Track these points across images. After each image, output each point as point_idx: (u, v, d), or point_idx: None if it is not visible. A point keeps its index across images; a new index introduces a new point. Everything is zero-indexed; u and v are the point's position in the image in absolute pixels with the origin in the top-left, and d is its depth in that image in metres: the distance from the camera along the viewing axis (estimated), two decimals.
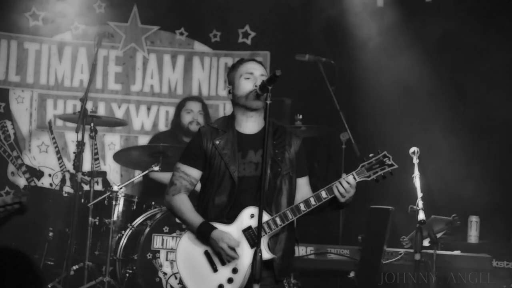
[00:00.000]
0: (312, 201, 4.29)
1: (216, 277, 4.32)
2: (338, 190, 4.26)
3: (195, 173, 4.50)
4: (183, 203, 4.46)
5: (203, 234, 4.33)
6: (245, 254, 4.30)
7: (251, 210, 4.32)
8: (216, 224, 4.34)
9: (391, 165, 4.33)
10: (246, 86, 4.44)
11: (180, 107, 7.43)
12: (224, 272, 4.32)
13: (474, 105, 7.33)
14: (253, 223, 4.30)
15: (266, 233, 4.23)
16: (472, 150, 7.23)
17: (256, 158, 4.41)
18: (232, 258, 4.28)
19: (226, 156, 4.40)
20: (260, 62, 4.59)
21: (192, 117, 7.28)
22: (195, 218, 4.39)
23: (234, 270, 4.30)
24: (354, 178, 4.30)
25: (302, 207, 4.29)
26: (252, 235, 4.30)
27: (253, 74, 4.46)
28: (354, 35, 7.70)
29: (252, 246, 4.29)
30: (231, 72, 4.56)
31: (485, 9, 7.25)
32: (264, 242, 4.24)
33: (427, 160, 5.38)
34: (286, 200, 4.39)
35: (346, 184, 4.27)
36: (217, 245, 4.28)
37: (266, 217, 4.23)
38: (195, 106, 7.36)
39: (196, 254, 4.38)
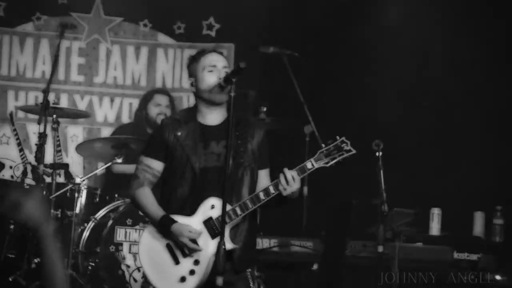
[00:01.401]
0: (272, 189, 4.30)
1: (178, 270, 4.32)
2: (280, 181, 4.25)
3: (158, 165, 4.49)
4: (146, 197, 4.46)
5: (164, 228, 4.33)
6: (206, 245, 4.30)
7: (212, 201, 4.33)
8: (177, 217, 4.34)
9: (349, 150, 4.33)
10: (209, 79, 4.43)
11: (147, 100, 7.36)
12: (186, 264, 4.32)
13: (435, 96, 7.41)
14: (214, 214, 4.31)
15: (226, 223, 4.21)
16: (434, 141, 7.31)
17: (218, 149, 4.40)
18: (194, 251, 4.28)
19: (188, 147, 4.39)
20: (221, 53, 4.59)
21: (160, 110, 7.23)
22: (157, 212, 4.39)
23: (196, 262, 4.30)
24: (313, 164, 4.29)
25: (261, 196, 4.30)
26: (213, 226, 4.31)
27: (216, 66, 4.45)
28: (319, 26, 7.73)
29: (213, 237, 4.30)
30: (192, 64, 4.54)
31: None
32: (226, 232, 4.24)
33: (390, 152, 5.40)
34: (247, 191, 4.39)
35: (290, 177, 4.23)
36: (178, 239, 4.28)
37: (227, 207, 4.22)
38: (163, 100, 7.31)
39: (158, 247, 4.38)
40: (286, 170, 4.25)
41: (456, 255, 6.04)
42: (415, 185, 7.02)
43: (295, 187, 4.27)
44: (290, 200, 4.36)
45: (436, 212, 6.51)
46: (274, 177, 4.45)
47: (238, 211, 4.30)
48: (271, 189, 4.29)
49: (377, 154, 5.24)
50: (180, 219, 4.34)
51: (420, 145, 7.28)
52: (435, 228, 6.49)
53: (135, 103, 7.82)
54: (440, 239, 6.34)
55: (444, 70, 7.32)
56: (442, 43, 7.38)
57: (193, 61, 4.54)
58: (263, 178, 4.52)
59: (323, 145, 4.35)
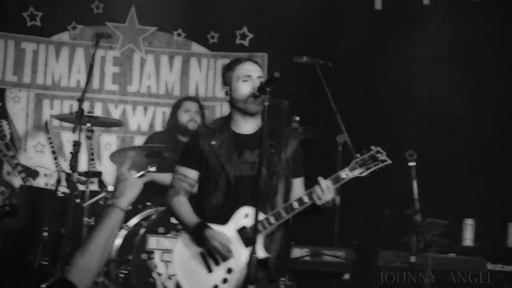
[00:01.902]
0: (306, 199, 4.28)
1: (211, 278, 4.33)
2: (316, 191, 4.24)
3: (193, 175, 4.51)
4: (181, 205, 4.48)
5: (198, 234, 4.33)
6: (240, 254, 4.30)
7: (246, 210, 4.32)
8: (211, 226, 4.34)
9: (384, 160, 4.30)
10: (244, 89, 4.43)
11: (176, 107, 7.38)
12: (219, 272, 4.32)
13: (473, 109, 7.35)
14: (248, 222, 4.30)
15: (260, 232, 4.21)
16: (469, 152, 7.24)
17: (252, 158, 4.40)
18: (225, 257, 4.28)
19: (222, 157, 4.40)
20: (256, 62, 4.58)
21: (190, 116, 7.22)
22: (191, 219, 4.40)
23: (229, 270, 4.30)
24: (347, 174, 4.28)
25: (295, 205, 4.29)
26: (247, 235, 4.30)
27: (251, 76, 4.45)
28: (352, 37, 7.71)
29: (246, 246, 4.29)
30: (227, 73, 4.54)
31: None
32: (259, 241, 4.24)
33: (424, 162, 5.36)
34: (281, 200, 4.38)
35: (325, 187, 4.21)
36: (210, 243, 4.28)
37: (260, 216, 4.22)
38: (192, 106, 7.32)
39: (192, 255, 4.38)
40: (321, 179, 4.24)
41: (490, 266, 5.98)
42: (449, 195, 6.97)
43: (330, 196, 4.25)
44: (324, 210, 4.34)
45: (469, 223, 6.44)
46: (307, 186, 4.44)
47: (272, 220, 4.29)
48: (305, 199, 4.27)
49: (410, 164, 5.21)
50: (214, 227, 4.35)
51: (453, 155, 7.23)
52: (468, 239, 6.42)
53: (168, 112, 7.85)
54: (473, 250, 6.27)
55: (477, 75, 7.26)
56: (478, 51, 7.33)
57: (228, 69, 4.54)
58: (298, 187, 4.51)
59: (358, 155, 4.33)
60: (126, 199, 3.04)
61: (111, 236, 2.95)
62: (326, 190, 4.22)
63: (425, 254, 5.59)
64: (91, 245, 2.89)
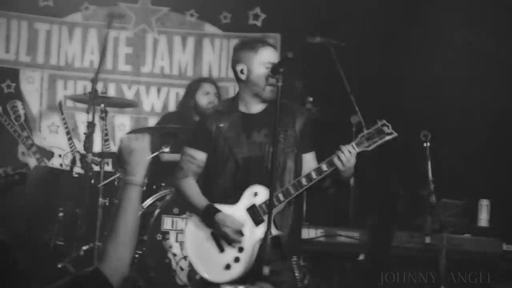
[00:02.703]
0: (314, 175, 4.28)
1: (223, 257, 4.34)
2: (340, 159, 4.23)
3: (202, 156, 4.51)
4: (189, 187, 4.49)
5: (207, 218, 4.34)
6: (251, 233, 4.31)
7: (255, 188, 4.33)
8: (220, 206, 4.35)
9: (391, 133, 4.27)
10: (265, 75, 4.40)
11: (194, 89, 7.30)
12: (231, 252, 4.34)
13: (487, 92, 7.30)
14: (257, 201, 4.31)
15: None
16: (484, 132, 7.21)
17: (259, 138, 4.40)
18: (235, 242, 4.29)
19: (230, 139, 4.40)
20: (275, 49, 4.56)
21: (210, 98, 7.15)
22: (200, 202, 4.41)
23: (241, 249, 4.32)
24: (354, 148, 4.26)
25: (304, 181, 4.29)
26: (257, 213, 4.31)
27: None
28: (366, 17, 7.67)
29: (257, 224, 4.30)
30: (248, 52, 4.47)
31: None
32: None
33: (439, 143, 5.34)
34: (291, 177, 4.38)
35: (347, 152, 4.23)
36: (221, 229, 4.29)
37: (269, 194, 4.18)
38: (211, 88, 7.27)
39: (203, 235, 4.40)
40: (342, 146, 4.23)
41: (505, 246, 5.97)
42: (464, 176, 6.94)
43: (352, 161, 4.24)
44: (344, 180, 4.34)
45: (484, 203, 6.43)
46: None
47: (281, 197, 4.29)
48: (324, 167, 4.26)
49: (424, 144, 5.19)
50: (224, 207, 4.36)
51: (468, 136, 7.19)
52: (483, 219, 6.41)
53: (182, 92, 7.83)
54: (489, 231, 6.26)
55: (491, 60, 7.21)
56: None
57: (249, 49, 4.47)
58: (310, 161, 4.49)
59: (364, 129, 4.32)
60: (141, 172, 2.84)
61: (137, 218, 2.78)
62: (348, 155, 4.20)
63: (440, 234, 5.58)
64: (121, 232, 2.72)
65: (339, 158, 4.21)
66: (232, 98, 4.63)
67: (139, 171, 2.83)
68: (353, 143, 4.27)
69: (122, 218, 2.75)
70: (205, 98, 7.18)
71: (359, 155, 4.26)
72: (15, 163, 7.71)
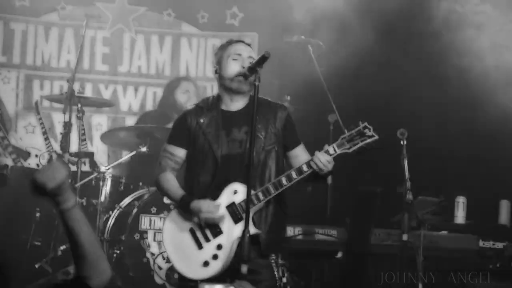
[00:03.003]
0: (294, 175, 4.31)
1: (201, 254, 4.35)
2: (317, 165, 4.26)
3: (181, 153, 4.53)
4: (167, 181, 4.50)
5: (184, 207, 4.35)
6: (229, 230, 4.31)
7: (235, 186, 4.34)
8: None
9: (372, 136, 4.31)
10: (232, 67, 4.44)
11: (173, 87, 7.36)
12: (209, 249, 4.34)
13: (459, 86, 7.34)
14: (237, 199, 4.32)
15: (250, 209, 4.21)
16: (459, 130, 7.25)
17: (240, 136, 4.42)
18: (215, 228, 4.29)
19: (210, 135, 4.41)
20: (248, 45, 4.59)
21: (189, 96, 7.21)
22: (178, 193, 4.42)
23: (219, 247, 4.32)
24: (335, 150, 4.29)
25: (284, 181, 4.31)
26: (236, 211, 4.32)
27: (241, 55, 4.46)
28: (342, 16, 7.68)
29: (236, 222, 4.31)
30: (219, 52, 4.57)
31: None
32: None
33: (415, 141, 5.37)
34: (272, 175, 4.39)
35: (324, 158, 4.26)
36: (198, 215, 4.28)
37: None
38: (190, 87, 7.32)
39: (181, 232, 4.40)
40: (317, 153, 4.26)
41: (481, 243, 6.02)
42: (440, 173, 6.98)
43: (332, 164, 4.27)
44: (325, 176, 4.37)
45: (461, 201, 6.48)
46: None
47: (261, 196, 4.30)
48: (305, 168, 4.29)
49: (401, 142, 5.22)
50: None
51: (445, 133, 7.23)
52: (460, 216, 6.46)
53: (159, 92, 7.84)
54: (465, 228, 6.31)
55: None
56: None
57: (220, 49, 4.57)
58: (301, 154, 4.51)
59: (345, 131, 4.34)
60: (69, 195, 2.76)
61: (91, 228, 2.77)
62: (324, 161, 4.24)
63: (417, 232, 5.61)
64: (89, 249, 2.71)
65: (316, 163, 4.24)
66: (213, 96, 4.65)
67: (68, 196, 2.75)
68: (334, 145, 4.30)
69: (82, 238, 2.73)
70: (184, 96, 7.22)
71: (338, 155, 4.29)
72: None
